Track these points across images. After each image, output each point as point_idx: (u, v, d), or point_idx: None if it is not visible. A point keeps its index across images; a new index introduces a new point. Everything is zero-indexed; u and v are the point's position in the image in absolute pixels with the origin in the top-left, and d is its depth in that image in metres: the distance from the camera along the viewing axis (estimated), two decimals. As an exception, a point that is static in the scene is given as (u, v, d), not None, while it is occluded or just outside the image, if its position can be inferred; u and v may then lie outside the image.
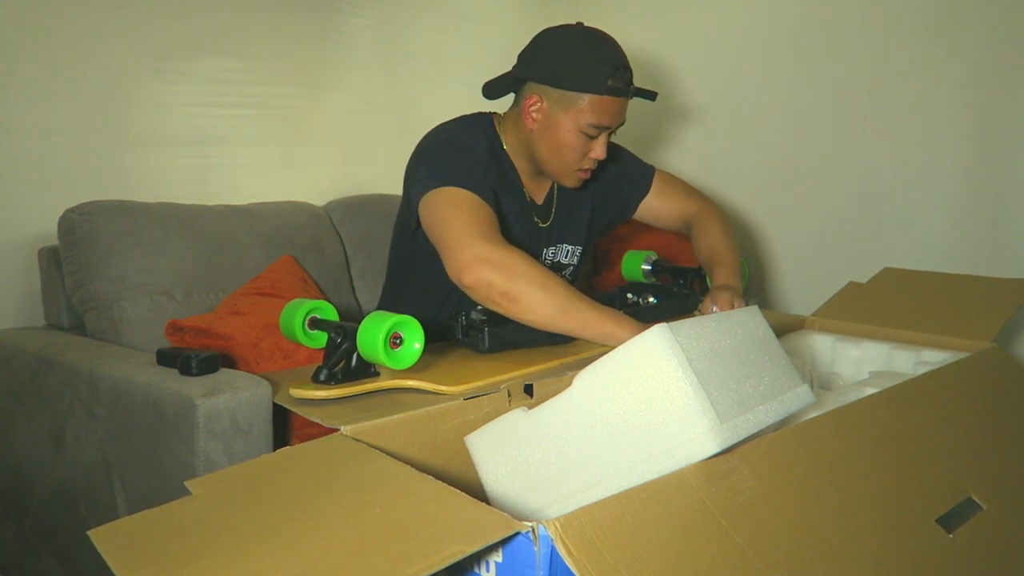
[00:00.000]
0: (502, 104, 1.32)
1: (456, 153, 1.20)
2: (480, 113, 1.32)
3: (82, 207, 1.38)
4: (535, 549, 0.57)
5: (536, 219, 1.32)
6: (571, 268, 1.41)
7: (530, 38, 1.27)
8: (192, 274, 1.44)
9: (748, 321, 0.82)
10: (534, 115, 1.22)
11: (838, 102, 2.07)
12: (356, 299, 1.75)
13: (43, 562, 1.28)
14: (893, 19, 1.96)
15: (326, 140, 1.98)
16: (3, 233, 1.50)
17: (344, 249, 1.76)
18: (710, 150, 2.35)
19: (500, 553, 0.60)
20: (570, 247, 1.40)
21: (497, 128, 1.30)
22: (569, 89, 1.18)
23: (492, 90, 1.26)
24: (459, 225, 1.09)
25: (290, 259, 1.59)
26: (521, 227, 1.29)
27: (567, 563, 0.55)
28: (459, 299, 1.27)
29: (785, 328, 1.35)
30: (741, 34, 2.25)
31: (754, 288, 2.28)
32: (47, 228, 1.45)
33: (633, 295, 1.38)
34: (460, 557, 0.53)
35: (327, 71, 1.99)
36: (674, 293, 1.38)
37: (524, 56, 1.25)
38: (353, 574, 0.53)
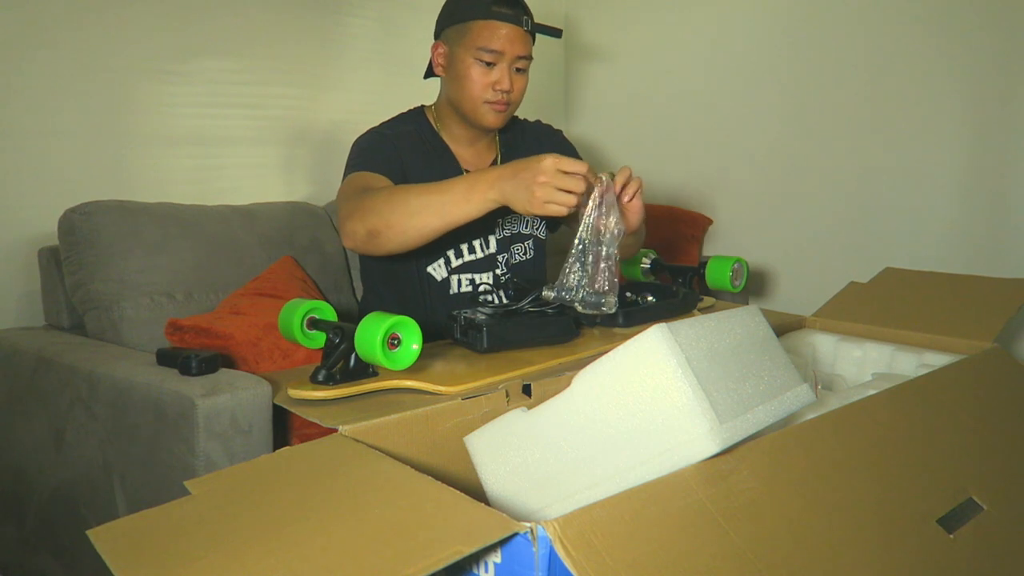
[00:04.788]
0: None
1: (366, 146, 1.30)
2: (416, 106, 1.43)
3: (82, 207, 1.38)
4: (534, 550, 0.56)
5: None
6: (532, 239, 1.44)
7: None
8: (192, 274, 1.44)
9: (748, 321, 0.82)
10: (441, 61, 1.33)
11: (838, 102, 2.07)
12: (356, 299, 1.75)
13: (43, 562, 1.28)
14: (893, 19, 1.96)
15: (326, 140, 1.98)
16: (3, 233, 1.50)
17: (344, 249, 1.76)
18: (710, 150, 2.35)
19: (499, 554, 0.60)
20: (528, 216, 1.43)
21: (429, 115, 1.39)
22: (459, 22, 1.28)
23: (427, 71, 1.39)
24: (340, 201, 1.22)
25: (290, 259, 1.59)
26: None
27: (566, 564, 0.55)
28: (435, 297, 1.34)
29: (785, 328, 1.35)
30: (739, 33, 2.25)
31: (754, 288, 2.28)
32: (47, 228, 1.45)
33: (632, 294, 1.38)
34: (458, 558, 0.53)
35: (327, 71, 1.99)
36: (673, 292, 1.37)
37: (437, 19, 1.35)
38: (351, 574, 0.53)
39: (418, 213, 1.07)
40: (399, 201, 1.08)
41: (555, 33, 1.33)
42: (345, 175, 1.29)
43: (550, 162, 0.99)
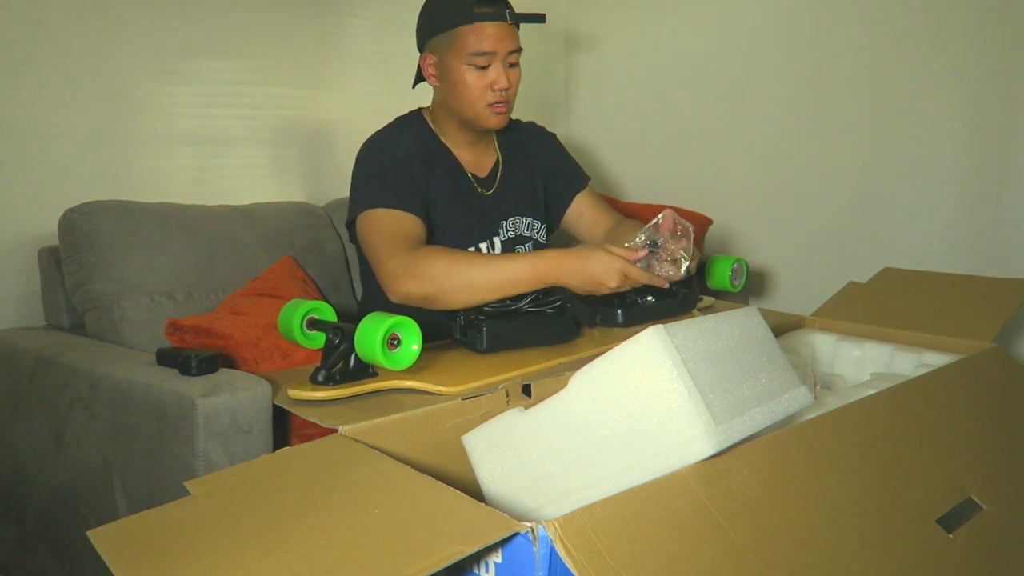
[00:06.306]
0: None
1: (378, 166, 1.28)
2: (414, 110, 1.41)
3: (82, 207, 1.38)
4: (534, 550, 0.57)
5: (479, 188, 1.38)
6: (532, 243, 1.44)
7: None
8: (192, 274, 1.44)
9: (746, 322, 0.82)
10: (432, 71, 1.31)
11: (838, 102, 2.07)
12: (356, 299, 1.75)
13: (43, 562, 1.28)
14: (893, 19, 1.96)
15: (326, 140, 1.98)
16: (3, 233, 1.50)
17: (344, 249, 1.76)
18: (710, 150, 2.35)
19: (499, 554, 0.60)
20: (530, 219, 1.44)
21: (426, 117, 1.38)
22: (445, 30, 1.26)
23: (414, 80, 1.38)
24: (377, 246, 1.20)
25: (290, 260, 1.59)
26: (460, 200, 1.34)
27: (566, 564, 0.55)
28: None
29: (785, 328, 1.35)
30: (740, 33, 2.25)
31: (754, 288, 2.28)
32: (47, 228, 1.45)
33: (632, 293, 1.38)
34: (459, 558, 0.53)
35: (327, 71, 1.99)
36: (672, 292, 1.37)
37: (416, 30, 1.33)
38: (352, 574, 0.53)
39: (481, 290, 1.13)
40: (461, 273, 1.13)
41: (539, 19, 1.31)
42: (358, 198, 1.26)
43: (616, 285, 1.15)
